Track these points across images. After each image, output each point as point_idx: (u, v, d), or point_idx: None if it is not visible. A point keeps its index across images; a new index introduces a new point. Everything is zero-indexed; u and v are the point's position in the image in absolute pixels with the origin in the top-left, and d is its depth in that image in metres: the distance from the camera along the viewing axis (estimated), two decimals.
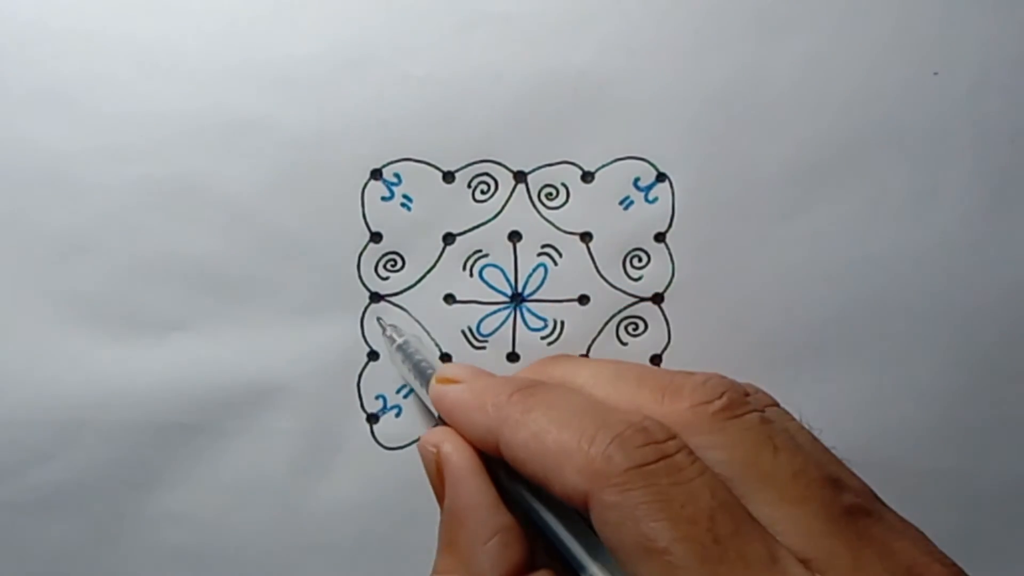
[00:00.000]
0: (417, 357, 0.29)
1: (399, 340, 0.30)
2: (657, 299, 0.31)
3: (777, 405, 0.24)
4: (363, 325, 0.31)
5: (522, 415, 0.23)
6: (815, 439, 0.23)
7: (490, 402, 0.24)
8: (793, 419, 0.24)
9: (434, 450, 0.25)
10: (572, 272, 0.31)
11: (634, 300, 0.31)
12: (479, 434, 0.24)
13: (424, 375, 0.28)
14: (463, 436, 0.25)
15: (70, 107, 0.30)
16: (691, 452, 0.21)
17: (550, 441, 0.22)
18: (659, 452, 0.21)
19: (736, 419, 0.22)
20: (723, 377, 0.24)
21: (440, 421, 0.26)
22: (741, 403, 0.23)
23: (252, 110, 0.30)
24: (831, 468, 0.22)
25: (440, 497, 0.25)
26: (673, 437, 0.21)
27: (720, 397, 0.23)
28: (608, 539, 0.20)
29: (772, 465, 0.21)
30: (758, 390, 0.25)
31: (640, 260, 0.31)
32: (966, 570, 0.22)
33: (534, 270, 0.31)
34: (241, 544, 0.31)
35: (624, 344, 0.31)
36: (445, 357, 0.31)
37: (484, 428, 0.24)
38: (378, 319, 0.31)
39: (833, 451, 0.23)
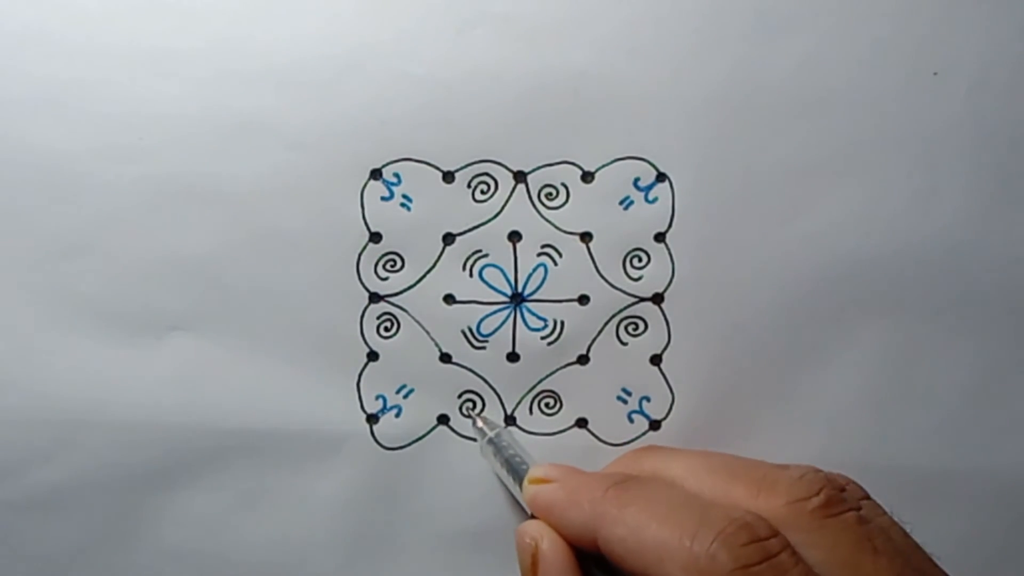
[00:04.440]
0: (509, 452, 0.29)
1: (490, 433, 0.30)
2: (657, 299, 0.31)
3: (869, 497, 0.24)
4: (362, 325, 0.31)
5: (619, 510, 0.23)
6: (907, 536, 0.23)
7: (585, 499, 0.24)
8: (885, 513, 0.24)
9: (531, 543, 0.25)
10: (572, 272, 0.31)
11: (634, 300, 0.31)
12: (576, 531, 0.24)
13: (517, 472, 0.28)
14: (559, 533, 0.25)
15: (70, 108, 0.30)
16: (794, 552, 0.21)
17: (649, 536, 0.22)
18: (764, 552, 0.21)
19: (834, 518, 0.22)
20: (818, 471, 0.24)
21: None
22: (839, 500, 0.23)
23: (252, 110, 0.30)
24: (928, 571, 0.22)
25: None
26: (775, 534, 0.21)
27: (818, 494, 0.23)
28: None
29: (872, 569, 0.21)
30: (850, 481, 0.25)
31: (640, 260, 0.31)
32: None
33: (534, 270, 0.31)
34: (241, 543, 0.31)
35: (624, 344, 0.31)
36: (445, 357, 0.31)
37: (581, 525, 0.24)
38: (471, 412, 0.31)
39: (925, 549, 0.23)
